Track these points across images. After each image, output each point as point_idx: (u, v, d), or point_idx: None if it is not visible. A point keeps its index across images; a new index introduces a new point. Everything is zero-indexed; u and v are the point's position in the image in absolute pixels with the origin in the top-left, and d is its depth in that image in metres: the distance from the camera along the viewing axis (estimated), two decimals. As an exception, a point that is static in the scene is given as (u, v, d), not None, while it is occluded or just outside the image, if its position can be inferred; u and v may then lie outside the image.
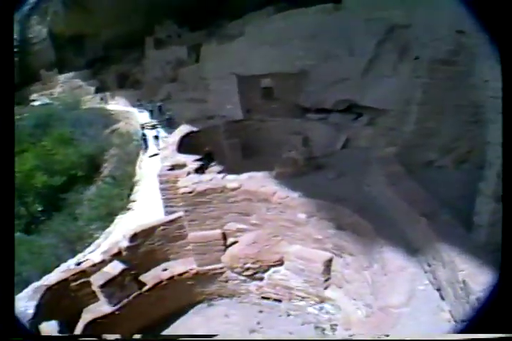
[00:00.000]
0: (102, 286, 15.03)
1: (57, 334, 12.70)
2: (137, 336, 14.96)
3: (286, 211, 15.54)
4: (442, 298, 9.75)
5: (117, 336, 13.27)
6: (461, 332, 4.26)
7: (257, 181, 16.97)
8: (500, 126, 10.75)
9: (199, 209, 16.83)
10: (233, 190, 16.46)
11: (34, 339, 6.96)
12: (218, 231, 16.86)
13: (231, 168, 20.50)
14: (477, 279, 8.30)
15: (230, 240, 16.99)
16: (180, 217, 17.24)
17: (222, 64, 30.58)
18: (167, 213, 18.29)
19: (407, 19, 22.14)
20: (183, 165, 18.88)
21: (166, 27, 52.47)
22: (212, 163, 20.95)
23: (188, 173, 18.01)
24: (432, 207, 12.18)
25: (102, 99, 53.85)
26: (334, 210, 14.39)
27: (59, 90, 58.76)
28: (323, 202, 14.82)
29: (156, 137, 31.08)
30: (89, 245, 20.42)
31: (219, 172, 18.72)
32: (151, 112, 39.97)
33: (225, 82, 28.76)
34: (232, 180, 16.99)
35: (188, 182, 17.05)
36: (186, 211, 16.95)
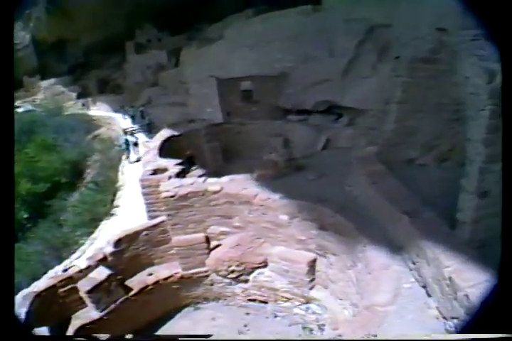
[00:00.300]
0: (89, 292, 15.02)
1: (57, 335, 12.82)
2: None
3: (268, 213, 15.62)
4: (429, 295, 9.81)
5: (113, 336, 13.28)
6: (461, 332, 4.31)
7: (238, 184, 17.02)
8: (480, 122, 11.28)
9: (181, 213, 16.83)
10: (215, 193, 16.47)
11: (34, 339, 6.97)
12: (201, 235, 16.88)
13: (212, 172, 20.67)
14: (463, 275, 8.38)
15: (213, 243, 16.97)
16: (163, 222, 17.24)
17: (202, 67, 30.53)
18: (150, 218, 18.29)
19: (388, 19, 22.07)
20: (164, 170, 18.91)
21: (146, 31, 52.22)
22: (194, 167, 20.99)
23: (170, 177, 18.01)
24: (414, 205, 12.20)
25: (83, 104, 53.47)
26: (316, 211, 14.48)
27: (41, 97, 58.42)
28: (305, 203, 14.91)
29: (136, 144, 30.94)
30: (74, 251, 20.36)
31: (200, 176, 18.69)
32: (133, 117, 39.76)
33: (204, 86, 28.78)
34: (213, 184, 17.02)
35: (170, 186, 17.04)
36: (169, 215, 16.96)
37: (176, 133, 26.03)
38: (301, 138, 24.17)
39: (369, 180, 14.42)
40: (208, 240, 16.95)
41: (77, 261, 18.51)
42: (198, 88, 29.79)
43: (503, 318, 4.08)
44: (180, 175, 18.65)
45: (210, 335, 13.75)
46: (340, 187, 15.91)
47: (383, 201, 12.96)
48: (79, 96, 56.00)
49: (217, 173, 19.63)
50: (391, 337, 8.37)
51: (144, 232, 17.23)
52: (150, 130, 34.68)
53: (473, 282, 8.05)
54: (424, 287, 10.12)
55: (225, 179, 17.60)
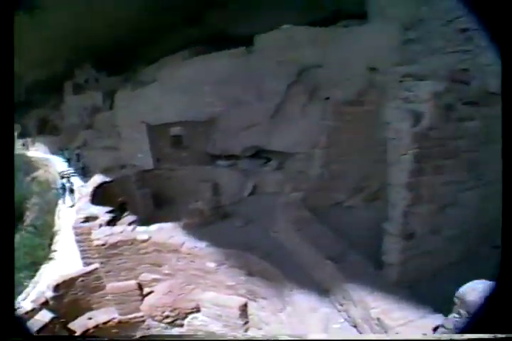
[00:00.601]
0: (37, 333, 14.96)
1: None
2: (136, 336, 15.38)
3: (195, 260, 15.81)
4: (360, 333, 10.03)
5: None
6: (461, 331, 4.41)
7: (166, 232, 17.23)
8: (402, 167, 11.29)
9: (113, 261, 16.96)
10: (143, 241, 16.66)
11: (34, 339, 6.93)
12: (133, 282, 16.99)
13: (144, 218, 20.66)
14: (392, 315, 8.79)
15: (146, 290, 17.07)
16: (96, 269, 17.32)
17: (134, 111, 30.41)
18: (85, 264, 18.28)
19: (319, 59, 22.59)
20: (95, 218, 18.93)
21: (85, 71, 50.91)
22: (126, 214, 21.04)
23: (100, 225, 18.06)
24: (339, 249, 12.53)
25: (23, 144, 52.82)
26: (242, 258, 14.73)
27: (-17, 136, 57.46)
28: (231, 250, 15.16)
29: (72, 190, 30.58)
30: (20, 293, 20.20)
31: (132, 223, 18.78)
32: (69, 160, 39.36)
33: (135, 131, 28.72)
34: (141, 232, 17.21)
35: (101, 234, 17.14)
36: (102, 262, 17.06)
37: (108, 179, 25.92)
38: (229, 183, 24.26)
39: (294, 226, 14.64)
40: (140, 287, 17.04)
41: (23, 303, 18.42)
42: (130, 133, 29.71)
43: (503, 318, 4.11)
44: (111, 222, 18.67)
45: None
46: (267, 233, 16.16)
47: (308, 247, 13.24)
48: (19, 136, 55.14)
49: (149, 220, 19.74)
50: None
51: (80, 279, 17.27)
52: (85, 174, 34.37)
53: (404, 321, 8.39)
54: (354, 326, 10.33)
55: (153, 227, 17.76)
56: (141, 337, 14.91)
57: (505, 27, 5.94)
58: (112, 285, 17.13)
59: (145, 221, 19.45)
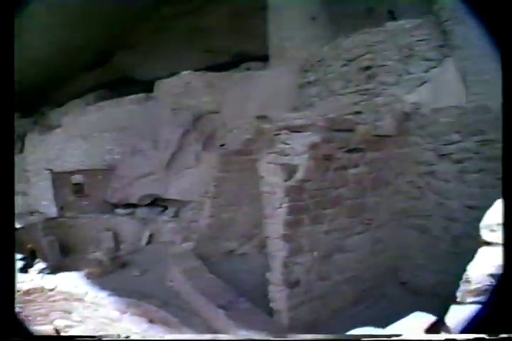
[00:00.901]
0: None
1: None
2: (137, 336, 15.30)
3: (99, 309, 16.57)
4: None
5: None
6: (461, 332, 4.13)
7: (70, 281, 17.96)
8: (278, 220, 11.18)
9: (28, 307, 17.61)
10: (50, 290, 17.46)
11: (34, 339, 7.00)
12: (50, 327, 17.63)
13: (52, 266, 21.16)
14: None
15: (62, 334, 17.64)
16: (19, 312, 17.62)
17: (40, 157, 30.40)
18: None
19: (216, 105, 23.42)
20: (8, 265, 19.15)
21: None
22: (37, 261, 21.20)
23: (13, 272, 18.36)
24: (230, 297, 12.86)
25: None
26: (142, 307, 15.52)
27: None
28: (131, 299, 15.96)
29: None
30: None
31: (42, 271, 19.24)
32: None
33: (41, 178, 28.82)
34: (49, 281, 17.95)
35: (14, 281, 17.52)
36: (20, 307, 17.47)
37: (18, 225, 25.34)
38: (128, 232, 24.45)
39: (185, 276, 15.29)
40: (57, 331, 17.59)
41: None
42: (36, 179, 29.61)
43: (504, 318, 3.84)
44: (23, 269, 19.18)
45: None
46: (163, 282, 16.69)
47: (200, 296, 13.72)
48: None
49: (57, 268, 20.28)
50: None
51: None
52: None
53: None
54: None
55: (59, 276, 18.38)
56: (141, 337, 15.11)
57: (505, 27, 5.81)
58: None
59: (55, 268, 20.08)
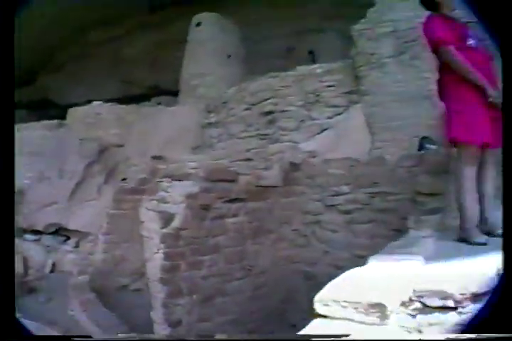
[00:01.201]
0: None
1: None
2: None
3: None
4: None
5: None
6: (462, 332, 3.83)
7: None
8: (155, 264, 11.30)
9: None
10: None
11: (34, 339, 6.64)
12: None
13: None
14: None
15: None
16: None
17: None
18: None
19: (121, 138, 23.10)
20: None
21: None
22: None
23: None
24: (120, 331, 12.78)
25: None
26: (45, 333, 15.11)
27: None
28: (38, 325, 15.57)
29: None
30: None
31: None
32: None
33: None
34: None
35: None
36: None
37: None
38: (34, 258, 24.23)
39: (81, 307, 15.63)
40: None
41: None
42: None
43: (504, 318, 3.58)
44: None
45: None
46: (65, 310, 16.86)
47: (95, 328, 14.18)
48: None
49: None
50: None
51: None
52: None
53: None
54: None
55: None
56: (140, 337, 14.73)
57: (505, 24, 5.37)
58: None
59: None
